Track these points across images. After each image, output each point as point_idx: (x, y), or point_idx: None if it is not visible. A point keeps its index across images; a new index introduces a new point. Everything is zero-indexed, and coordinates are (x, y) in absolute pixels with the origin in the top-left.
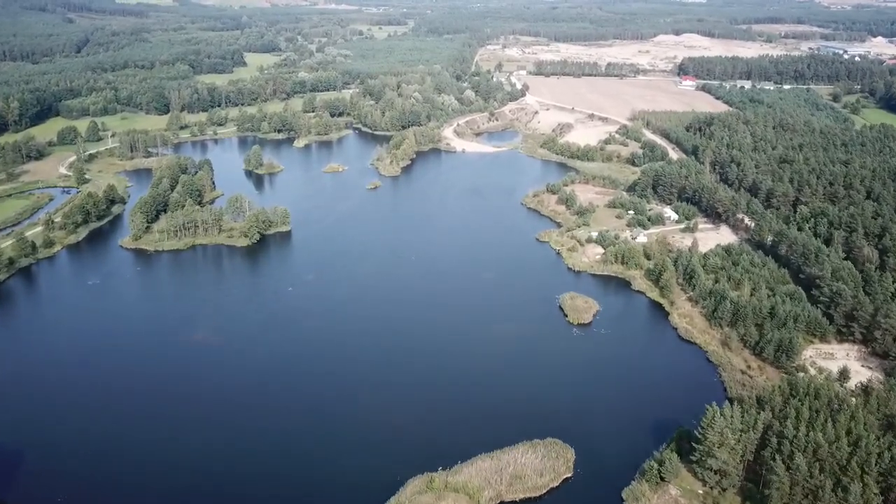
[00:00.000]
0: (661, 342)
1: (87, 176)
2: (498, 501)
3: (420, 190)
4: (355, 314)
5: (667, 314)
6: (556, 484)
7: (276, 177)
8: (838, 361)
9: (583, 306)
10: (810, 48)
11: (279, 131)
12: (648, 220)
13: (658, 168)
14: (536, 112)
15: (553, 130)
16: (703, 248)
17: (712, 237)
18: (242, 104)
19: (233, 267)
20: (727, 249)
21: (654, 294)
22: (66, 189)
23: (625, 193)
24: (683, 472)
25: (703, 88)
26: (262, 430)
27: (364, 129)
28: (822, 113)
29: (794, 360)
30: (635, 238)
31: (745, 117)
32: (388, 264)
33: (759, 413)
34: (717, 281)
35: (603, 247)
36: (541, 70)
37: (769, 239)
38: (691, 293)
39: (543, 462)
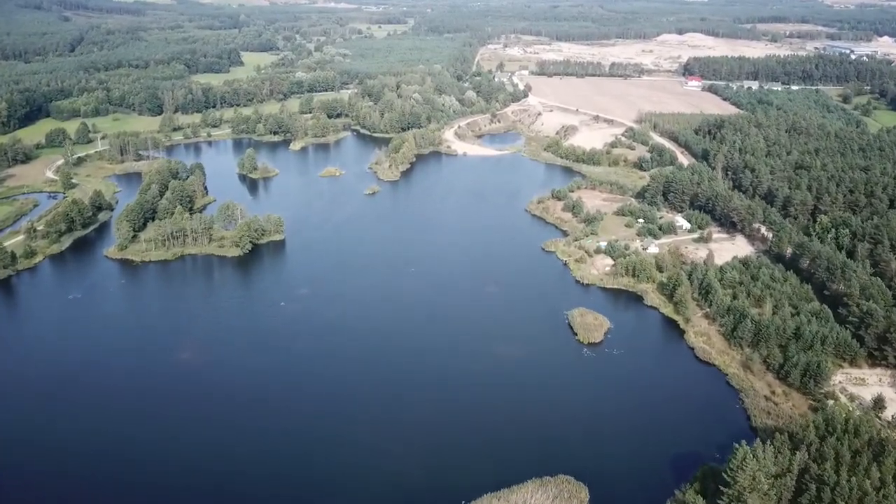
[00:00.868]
0: (678, 364)
1: (74, 180)
2: None
3: (420, 196)
4: (350, 335)
5: (682, 332)
6: None
7: (270, 181)
8: (871, 388)
9: (593, 323)
10: (816, 48)
11: (275, 133)
12: (659, 229)
13: (668, 174)
14: (539, 114)
15: (557, 133)
16: (719, 260)
17: (727, 248)
18: (238, 105)
19: (222, 279)
20: (745, 262)
21: (667, 310)
22: (52, 194)
23: (633, 200)
24: None
25: (710, 89)
26: (246, 468)
27: (362, 130)
28: (833, 115)
29: (822, 386)
30: (646, 248)
31: (757, 120)
32: (387, 277)
33: (793, 454)
34: (735, 297)
35: (612, 258)
36: (543, 70)
37: (788, 251)
38: (708, 309)
39: (555, 502)
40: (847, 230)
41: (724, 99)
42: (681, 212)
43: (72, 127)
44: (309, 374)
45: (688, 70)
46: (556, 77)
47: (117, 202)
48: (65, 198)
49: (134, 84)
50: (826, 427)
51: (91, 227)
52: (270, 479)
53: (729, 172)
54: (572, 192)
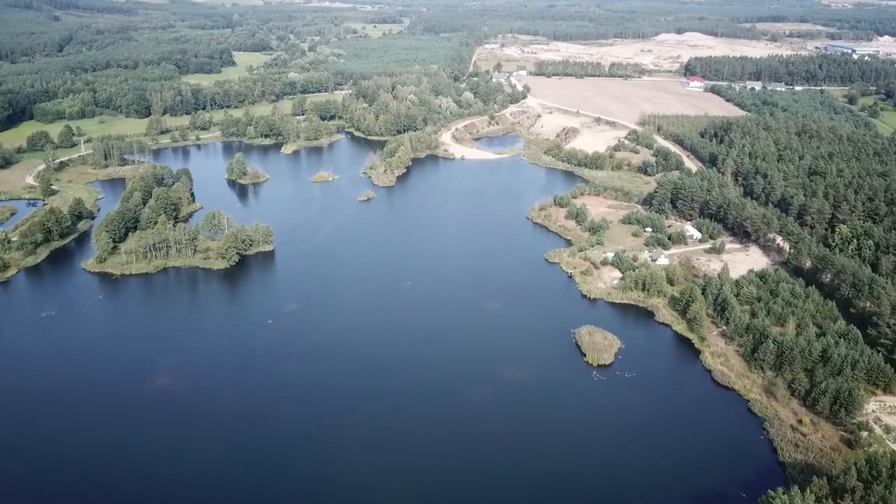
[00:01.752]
0: (695, 388)
1: (54, 187)
2: None
3: (416, 202)
4: (342, 358)
5: (697, 352)
6: None
7: (260, 187)
8: None
9: (602, 343)
10: (817, 47)
11: (266, 136)
12: (669, 238)
13: (677, 180)
14: (539, 115)
15: (557, 136)
16: (734, 272)
17: (741, 260)
18: (228, 106)
19: (207, 294)
20: (762, 276)
21: (680, 327)
22: (31, 201)
23: (640, 207)
24: None
25: (712, 90)
26: None
27: (356, 133)
28: (841, 116)
29: (854, 415)
30: (655, 260)
31: (766, 123)
32: (381, 291)
33: None
34: (753, 314)
35: (620, 270)
36: (542, 70)
37: (808, 264)
38: (724, 328)
39: None
40: (870, 241)
41: (728, 100)
42: (690, 220)
43: (56, 130)
44: (297, 401)
45: (689, 70)
46: (554, 77)
47: (99, 210)
48: (44, 205)
49: (121, 85)
50: (870, 471)
51: (70, 237)
52: None
53: (739, 178)
54: (575, 198)
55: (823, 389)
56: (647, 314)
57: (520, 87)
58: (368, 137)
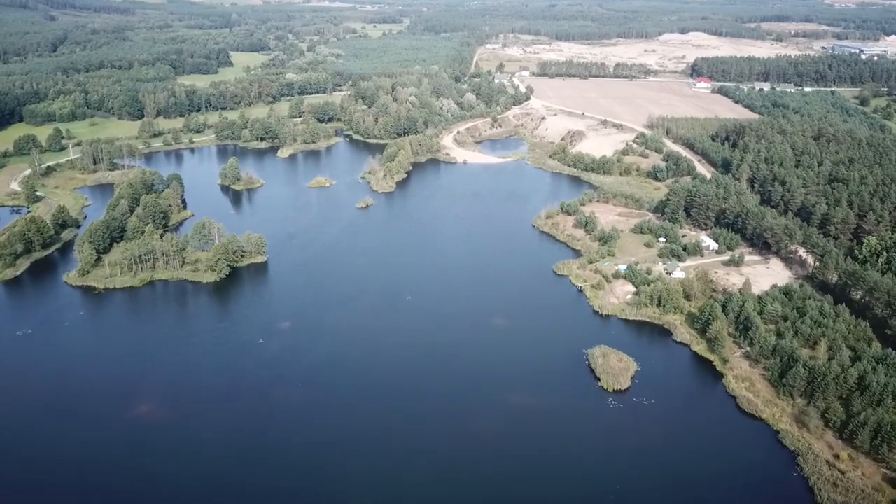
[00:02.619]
0: (719, 416)
1: (39, 193)
2: None
3: (417, 209)
4: (337, 382)
5: (719, 375)
6: None
7: (255, 193)
8: None
9: (617, 366)
10: (823, 47)
11: (262, 139)
12: (684, 249)
13: (691, 187)
14: (543, 118)
15: (563, 139)
16: (755, 287)
17: (762, 273)
18: (224, 108)
19: (195, 309)
20: (787, 292)
21: (700, 347)
22: (15, 208)
23: (652, 216)
24: None
25: (720, 91)
26: None
27: (355, 136)
28: (855, 119)
29: None
30: (670, 273)
31: (781, 126)
32: (380, 307)
33: None
34: (779, 334)
35: (634, 284)
36: (545, 71)
37: (834, 278)
38: (748, 349)
39: None
40: None
41: (736, 101)
42: (705, 230)
43: (45, 132)
44: (287, 435)
45: (695, 71)
46: (558, 78)
47: (85, 217)
48: (29, 212)
49: (114, 86)
50: None
51: (53, 248)
52: None
53: (755, 185)
54: (583, 205)
55: (863, 421)
56: (662, 332)
57: (522, 89)
58: (367, 140)
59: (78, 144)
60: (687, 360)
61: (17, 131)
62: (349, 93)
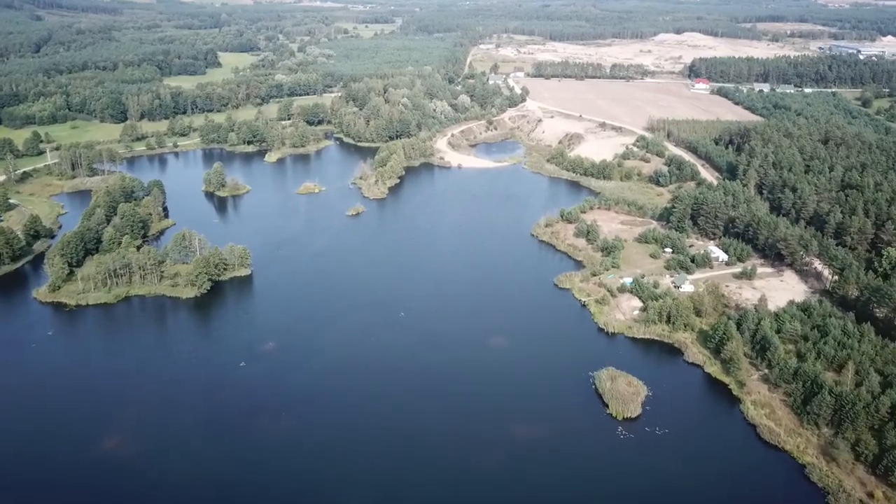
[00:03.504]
0: (738, 447)
1: (12, 201)
2: None
3: (410, 217)
4: (323, 410)
5: (736, 400)
6: None
7: (240, 200)
8: None
9: (626, 391)
10: (820, 48)
11: (249, 143)
12: (692, 260)
13: (697, 194)
14: (540, 120)
15: (560, 142)
16: (770, 303)
17: (776, 287)
18: (210, 110)
19: (173, 328)
20: (805, 308)
21: (714, 369)
22: None
23: (656, 224)
24: None
25: (719, 92)
26: None
27: (346, 139)
28: (859, 121)
29: None
30: (679, 287)
31: (787, 129)
32: (371, 325)
33: None
34: (800, 355)
35: (641, 299)
36: (540, 72)
37: (854, 293)
38: (766, 371)
39: None
40: None
41: (736, 103)
42: (713, 239)
43: (23, 136)
44: (271, 466)
45: (693, 71)
46: (554, 79)
47: (60, 227)
48: (1, 221)
49: (96, 88)
50: None
51: (23, 260)
52: None
53: (763, 191)
54: (584, 212)
55: None
56: (672, 351)
57: (518, 90)
58: (359, 144)
59: (57, 149)
60: (700, 383)
61: None
62: (340, 94)
